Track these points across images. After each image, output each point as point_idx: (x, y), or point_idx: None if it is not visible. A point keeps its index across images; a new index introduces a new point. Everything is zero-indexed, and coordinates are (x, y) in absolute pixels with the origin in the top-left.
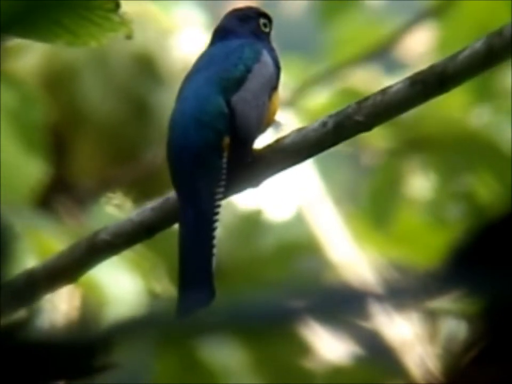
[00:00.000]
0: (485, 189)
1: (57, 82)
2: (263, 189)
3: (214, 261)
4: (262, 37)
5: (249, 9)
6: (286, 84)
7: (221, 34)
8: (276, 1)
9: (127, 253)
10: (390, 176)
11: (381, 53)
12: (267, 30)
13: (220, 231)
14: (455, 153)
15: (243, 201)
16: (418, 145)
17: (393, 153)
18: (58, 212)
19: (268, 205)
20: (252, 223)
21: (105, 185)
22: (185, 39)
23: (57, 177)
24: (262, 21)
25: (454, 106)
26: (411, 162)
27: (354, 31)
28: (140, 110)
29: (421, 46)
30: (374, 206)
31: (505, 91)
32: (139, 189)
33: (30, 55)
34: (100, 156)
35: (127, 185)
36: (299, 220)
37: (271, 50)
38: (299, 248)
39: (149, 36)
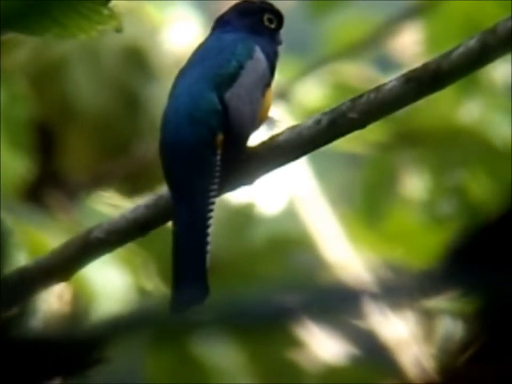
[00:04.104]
0: (477, 184)
1: (48, 76)
2: (255, 183)
3: (208, 258)
4: (263, 32)
5: (256, 2)
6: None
7: (219, 25)
8: None
9: (118, 250)
10: (381, 172)
11: (370, 48)
12: (272, 26)
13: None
14: (447, 148)
15: (235, 195)
16: (410, 140)
17: (385, 148)
18: (50, 207)
19: (260, 199)
20: (243, 216)
21: (97, 180)
22: (176, 33)
23: (48, 172)
24: (267, 16)
25: (445, 101)
26: (403, 157)
27: (344, 26)
28: (130, 104)
29: (409, 41)
30: (366, 202)
31: (495, 85)
32: (131, 183)
33: (21, 50)
34: (91, 150)
35: (118, 179)
36: (291, 214)
37: (270, 47)
38: (291, 242)
39: (140, 30)
